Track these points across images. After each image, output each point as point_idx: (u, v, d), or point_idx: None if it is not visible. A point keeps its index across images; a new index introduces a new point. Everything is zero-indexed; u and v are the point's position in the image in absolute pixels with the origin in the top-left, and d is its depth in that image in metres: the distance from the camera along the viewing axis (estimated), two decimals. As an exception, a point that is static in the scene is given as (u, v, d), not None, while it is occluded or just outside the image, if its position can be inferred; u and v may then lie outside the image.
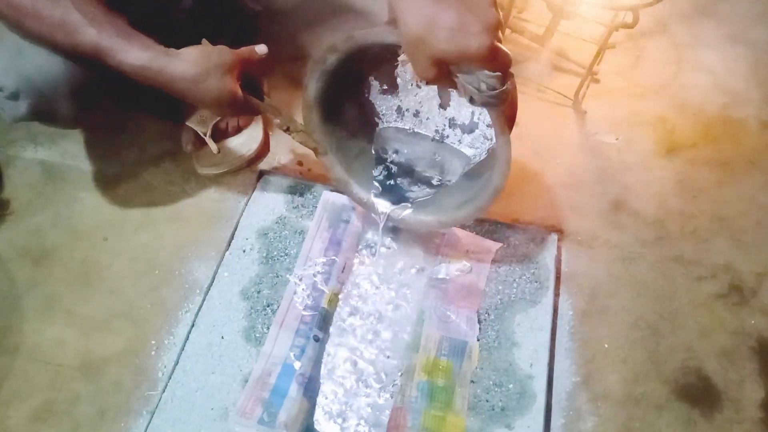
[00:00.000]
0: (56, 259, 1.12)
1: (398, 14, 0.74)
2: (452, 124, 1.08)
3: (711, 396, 0.99)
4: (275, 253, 1.10)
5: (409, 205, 1.06)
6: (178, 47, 0.94)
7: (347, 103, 1.07)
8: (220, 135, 1.21)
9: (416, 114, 1.09)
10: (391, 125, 1.12)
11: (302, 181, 1.19)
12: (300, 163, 1.24)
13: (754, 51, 1.51)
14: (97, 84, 0.94)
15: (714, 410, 0.98)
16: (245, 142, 1.22)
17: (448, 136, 1.09)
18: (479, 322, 1.03)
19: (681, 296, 1.09)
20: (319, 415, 0.94)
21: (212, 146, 1.18)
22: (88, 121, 1.18)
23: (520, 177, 1.23)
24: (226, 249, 1.11)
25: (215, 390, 0.96)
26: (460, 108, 1.06)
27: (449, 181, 1.08)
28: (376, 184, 1.09)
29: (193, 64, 0.92)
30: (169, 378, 0.97)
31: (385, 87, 1.07)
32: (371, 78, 1.06)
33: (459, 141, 1.08)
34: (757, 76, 1.46)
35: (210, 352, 0.99)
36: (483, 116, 1.03)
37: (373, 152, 1.12)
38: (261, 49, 1.01)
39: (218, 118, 1.18)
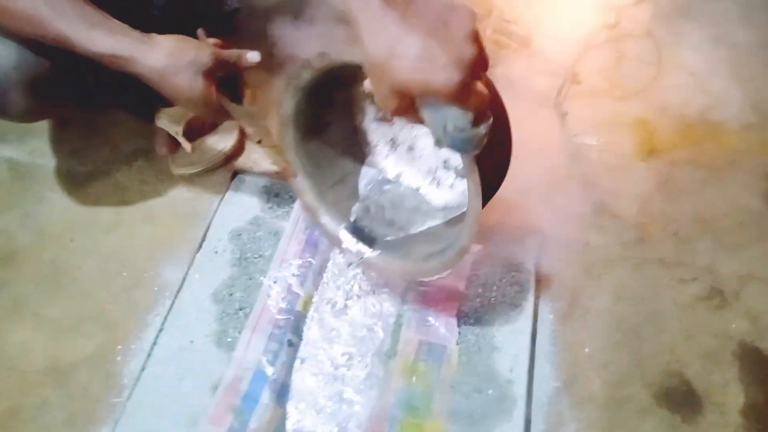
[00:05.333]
0: (24, 260, 1.08)
1: (360, 34, 0.65)
2: (446, 165, 0.99)
3: (694, 400, 0.98)
4: (249, 254, 1.07)
5: (378, 249, 0.98)
6: None
7: (335, 123, 0.99)
8: (193, 134, 1.17)
9: (410, 149, 1.01)
10: (378, 164, 1.04)
11: (278, 181, 1.16)
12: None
13: (735, 52, 1.50)
14: (58, 75, 0.90)
15: (697, 414, 0.96)
16: (220, 138, 1.19)
17: (440, 179, 1.00)
18: (458, 325, 1.00)
19: (663, 299, 1.08)
20: (292, 423, 0.91)
21: (185, 145, 1.14)
22: (47, 114, 1.14)
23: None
24: (198, 250, 1.08)
25: (184, 397, 0.93)
26: None
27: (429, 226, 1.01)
28: (350, 218, 1.01)
29: (165, 55, 0.87)
30: (135, 384, 0.93)
31: (381, 115, 1.00)
32: (367, 102, 0.98)
33: (451, 186, 1.00)
34: (739, 77, 1.45)
35: (179, 357, 0.96)
36: None
37: (360, 186, 1.04)
38: (252, 57, 0.95)
39: (191, 115, 1.15)
